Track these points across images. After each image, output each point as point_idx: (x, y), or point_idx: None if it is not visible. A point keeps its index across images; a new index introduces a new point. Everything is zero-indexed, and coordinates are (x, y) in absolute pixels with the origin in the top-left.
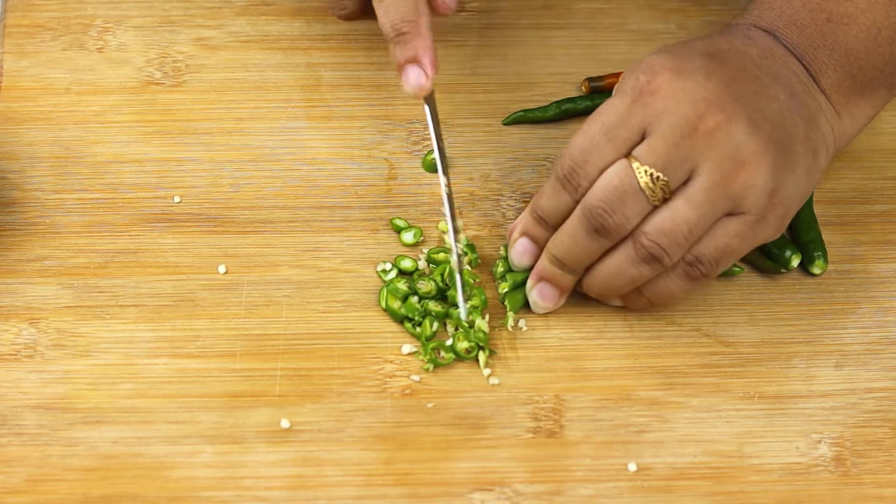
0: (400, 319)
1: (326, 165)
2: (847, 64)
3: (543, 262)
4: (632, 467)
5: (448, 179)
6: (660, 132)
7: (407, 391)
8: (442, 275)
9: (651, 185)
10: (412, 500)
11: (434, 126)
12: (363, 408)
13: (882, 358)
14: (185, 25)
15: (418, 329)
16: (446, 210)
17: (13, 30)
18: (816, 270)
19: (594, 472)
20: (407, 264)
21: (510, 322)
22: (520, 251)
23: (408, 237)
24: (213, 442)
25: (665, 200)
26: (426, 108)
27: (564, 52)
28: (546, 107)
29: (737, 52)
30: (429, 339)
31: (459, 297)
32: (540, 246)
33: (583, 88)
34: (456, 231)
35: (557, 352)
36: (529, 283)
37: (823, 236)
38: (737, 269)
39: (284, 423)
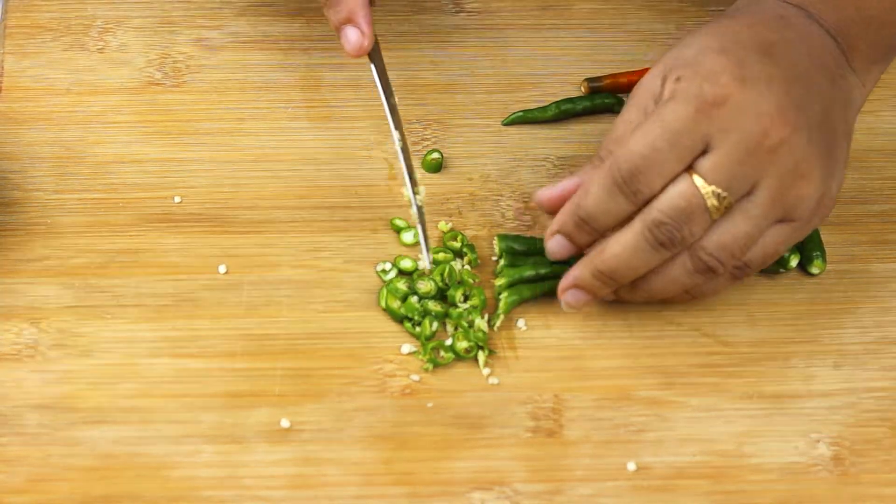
0: (399, 319)
1: (327, 165)
2: (876, 35)
3: (584, 274)
4: (631, 467)
5: (401, 134)
6: (726, 149)
7: (407, 391)
8: (441, 274)
9: (716, 204)
10: (412, 499)
11: (382, 82)
12: (363, 407)
13: (881, 357)
14: (186, 26)
15: (418, 329)
16: (402, 163)
17: (14, 30)
18: (815, 270)
19: (594, 472)
20: (407, 264)
21: (498, 323)
22: (555, 249)
23: (407, 237)
24: (214, 441)
25: (723, 214)
26: (371, 66)
27: (564, 52)
28: (545, 107)
29: (785, 42)
30: (428, 338)
31: (422, 246)
32: (579, 247)
33: (582, 89)
34: (414, 183)
35: (557, 351)
36: (562, 285)
37: (822, 236)
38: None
39: (284, 423)
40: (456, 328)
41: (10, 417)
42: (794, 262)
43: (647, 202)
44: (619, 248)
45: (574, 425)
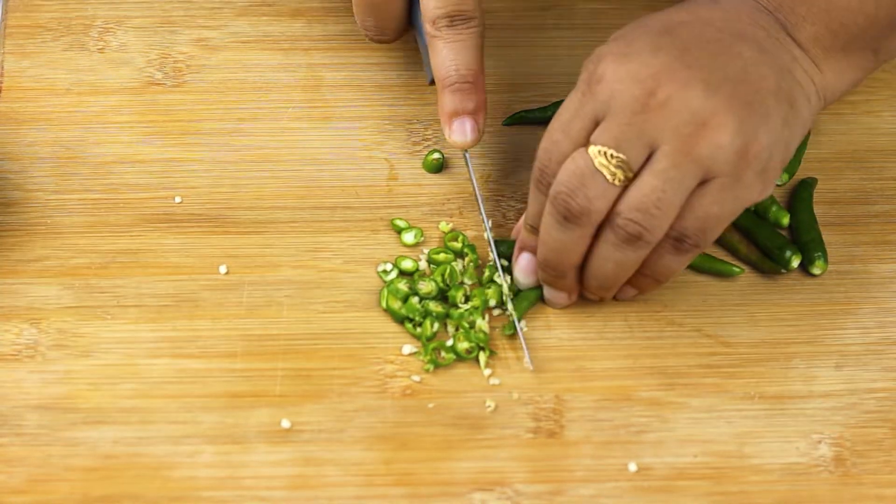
0: (400, 320)
1: (327, 166)
2: (827, 18)
3: (538, 269)
4: (632, 467)
5: (490, 224)
6: (611, 115)
7: (407, 391)
8: (442, 275)
9: (606, 162)
10: (413, 500)
11: (474, 179)
12: (364, 408)
13: (882, 358)
14: (186, 26)
15: (419, 329)
16: (493, 253)
17: (14, 30)
18: (816, 271)
19: (594, 472)
20: (408, 265)
21: (519, 331)
22: (523, 268)
23: (408, 237)
24: (214, 442)
25: (629, 180)
26: (466, 154)
27: (565, 52)
28: (546, 107)
29: (696, 20)
30: (429, 339)
31: (521, 342)
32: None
33: None
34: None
35: (558, 352)
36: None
37: (823, 237)
38: (736, 269)
39: (285, 423)
40: (457, 329)
41: (10, 418)
42: (795, 262)
43: None
44: (541, 235)
45: (575, 426)
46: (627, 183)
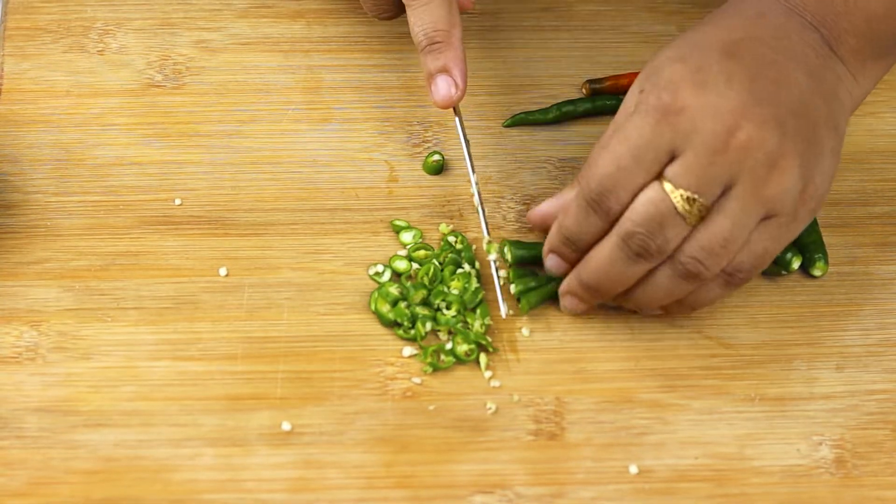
0: (389, 324)
1: (327, 168)
2: (867, 29)
3: (573, 285)
4: (633, 469)
5: (476, 179)
6: (691, 153)
7: (408, 394)
8: (427, 275)
9: (688, 207)
10: (413, 502)
11: (464, 134)
12: (364, 410)
13: (883, 360)
14: (186, 28)
15: (412, 332)
16: (479, 209)
17: (14, 32)
18: (817, 272)
19: (595, 475)
20: (401, 265)
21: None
22: (553, 267)
23: (407, 237)
24: (215, 444)
25: (702, 219)
26: (456, 118)
27: (565, 54)
28: (546, 109)
29: (751, 40)
30: (423, 338)
31: (498, 294)
32: (570, 263)
33: (583, 90)
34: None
35: (558, 354)
36: (561, 290)
37: (824, 238)
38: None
39: (286, 426)
40: (449, 333)
41: (10, 420)
42: (795, 264)
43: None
44: (597, 262)
45: (575, 428)
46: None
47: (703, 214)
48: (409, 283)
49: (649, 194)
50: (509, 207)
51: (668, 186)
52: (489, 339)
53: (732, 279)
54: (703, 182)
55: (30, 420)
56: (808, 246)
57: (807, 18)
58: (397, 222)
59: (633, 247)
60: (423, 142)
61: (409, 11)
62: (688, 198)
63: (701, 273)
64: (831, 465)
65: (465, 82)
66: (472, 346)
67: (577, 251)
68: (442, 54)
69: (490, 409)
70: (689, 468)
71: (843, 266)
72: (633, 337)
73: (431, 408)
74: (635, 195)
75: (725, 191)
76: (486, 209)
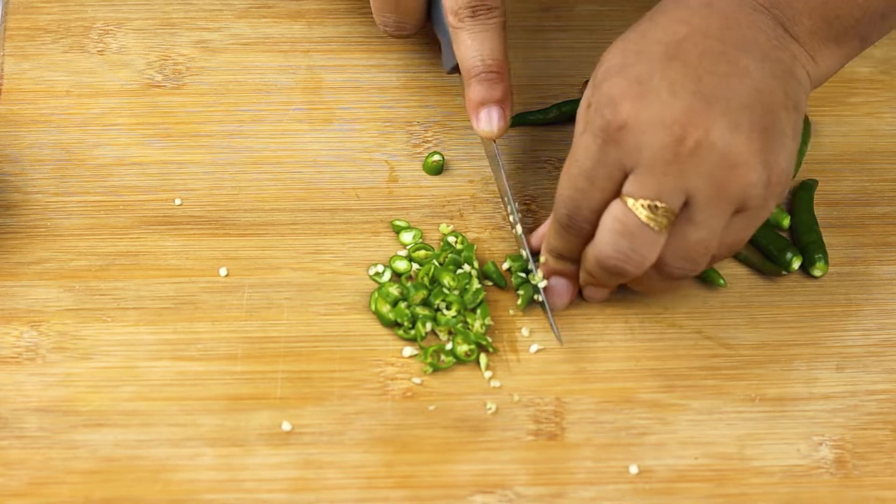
0: (389, 324)
1: (327, 168)
2: (824, 10)
3: (586, 278)
4: (633, 469)
5: (517, 208)
6: (642, 168)
7: (408, 394)
8: (427, 275)
9: (652, 215)
10: (413, 502)
11: (502, 166)
12: (364, 410)
13: (883, 360)
14: (186, 28)
15: (412, 332)
16: (523, 242)
17: (14, 32)
18: (817, 273)
19: (595, 475)
20: (401, 266)
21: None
22: (558, 293)
23: (407, 237)
24: (215, 445)
25: (670, 224)
26: (495, 145)
27: (565, 54)
28: (546, 109)
29: (696, 33)
30: (423, 338)
31: (551, 323)
32: (571, 275)
33: (583, 90)
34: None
35: (558, 354)
36: (581, 283)
37: (824, 238)
38: (721, 281)
39: (286, 426)
40: (449, 333)
41: (10, 420)
42: (796, 264)
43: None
44: (586, 275)
45: (575, 428)
46: (668, 231)
47: (671, 218)
48: (409, 284)
49: (612, 212)
50: (510, 208)
51: (629, 201)
52: (489, 340)
53: (712, 261)
54: (662, 189)
55: (29, 420)
56: (809, 246)
57: (758, 1)
58: (397, 222)
59: (612, 270)
60: (424, 142)
61: (461, 34)
62: (650, 206)
63: (689, 274)
64: (831, 465)
65: (511, 115)
66: (473, 346)
67: (571, 263)
68: (496, 85)
69: (490, 409)
70: (688, 468)
71: (844, 266)
72: (633, 337)
73: (431, 408)
74: (600, 212)
75: (689, 198)
76: (487, 210)
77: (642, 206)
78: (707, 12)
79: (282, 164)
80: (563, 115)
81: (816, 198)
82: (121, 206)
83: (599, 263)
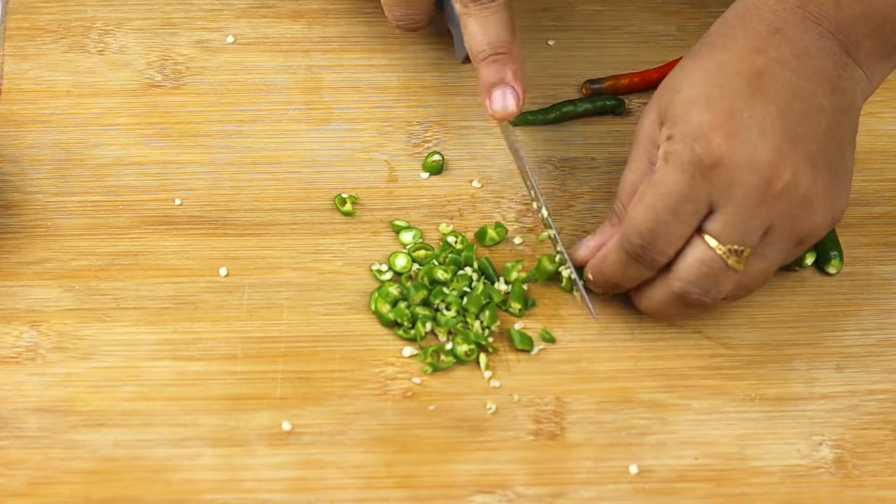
0: (389, 324)
1: (327, 167)
2: (882, 31)
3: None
4: (633, 469)
5: (544, 203)
6: (732, 208)
7: (408, 394)
8: (427, 275)
9: (736, 259)
10: (413, 502)
11: (517, 150)
12: (364, 410)
13: (883, 360)
14: (186, 28)
15: (412, 332)
16: (556, 237)
17: (14, 32)
18: (832, 270)
19: (595, 475)
20: (401, 262)
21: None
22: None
23: (406, 237)
24: (215, 444)
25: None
26: (511, 132)
27: (565, 54)
28: (546, 109)
29: (773, 63)
30: (423, 338)
31: (586, 300)
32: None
33: (583, 90)
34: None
35: (558, 354)
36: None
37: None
38: None
39: (286, 426)
40: (449, 333)
41: (10, 420)
42: (809, 260)
43: (667, 264)
44: (651, 303)
45: (576, 428)
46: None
47: (749, 256)
48: (409, 284)
49: (697, 254)
50: (509, 207)
51: (712, 242)
52: (489, 340)
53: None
54: (747, 234)
55: (30, 420)
56: (823, 243)
57: (823, 26)
58: (397, 222)
59: (689, 302)
60: (424, 142)
61: (468, 21)
62: (735, 250)
63: (738, 298)
64: (831, 466)
65: (524, 96)
66: (472, 346)
67: (622, 289)
68: (505, 66)
69: (490, 409)
70: (688, 468)
71: (844, 266)
72: (633, 337)
73: (431, 408)
74: (678, 247)
75: (765, 233)
76: (487, 209)
77: (729, 250)
78: (779, 40)
79: (282, 164)
80: (563, 115)
81: None
82: (121, 206)
83: (678, 297)
